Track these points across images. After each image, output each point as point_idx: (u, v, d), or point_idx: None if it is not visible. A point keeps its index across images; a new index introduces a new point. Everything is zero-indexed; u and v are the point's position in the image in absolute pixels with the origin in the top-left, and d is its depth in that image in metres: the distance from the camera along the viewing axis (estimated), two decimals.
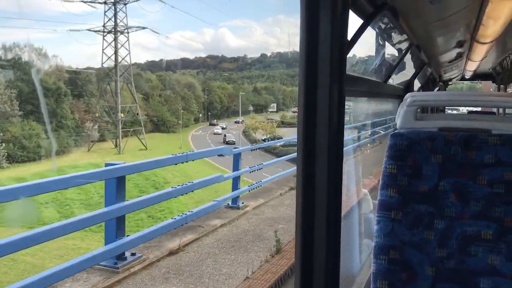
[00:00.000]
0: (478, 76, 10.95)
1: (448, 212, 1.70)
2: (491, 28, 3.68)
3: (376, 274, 1.74)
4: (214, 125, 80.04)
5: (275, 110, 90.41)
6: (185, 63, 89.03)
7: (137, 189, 34.76)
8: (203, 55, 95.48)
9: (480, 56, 6.07)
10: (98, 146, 55.95)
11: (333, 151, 1.48)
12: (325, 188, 1.48)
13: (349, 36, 1.58)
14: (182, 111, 72.08)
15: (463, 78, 11.08)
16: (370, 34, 3.24)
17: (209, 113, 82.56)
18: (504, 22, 3.42)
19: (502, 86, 10.07)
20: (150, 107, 67.73)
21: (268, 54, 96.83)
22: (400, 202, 1.74)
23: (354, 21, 1.98)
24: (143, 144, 57.30)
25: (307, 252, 1.51)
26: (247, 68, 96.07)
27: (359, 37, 1.93)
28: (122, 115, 58.17)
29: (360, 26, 2.02)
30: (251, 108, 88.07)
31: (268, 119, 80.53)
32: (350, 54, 1.68)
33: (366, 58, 4.19)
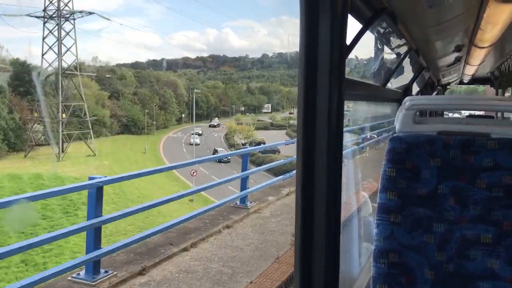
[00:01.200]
0: (476, 80, 10.98)
1: (447, 216, 1.70)
2: (489, 32, 3.70)
3: (376, 277, 1.74)
4: (214, 126, 75.04)
5: (269, 111, 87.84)
6: (186, 63, 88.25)
7: (41, 213, 25.66)
8: (206, 55, 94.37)
9: (479, 61, 6.08)
10: (41, 151, 46.59)
11: (332, 155, 1.49)
12: (324, 192, 1.48)
13: (348, 40, 1.59)
14: (160, 110, 66.16)
15: (461, 82, 11.11)
16: (369, 38, 3.25)
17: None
18: (502, 27, 3.43)
19: (500, 90, 10.10)
20: (120, 106, 60.39)
21: (270, 55, 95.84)
22: (399, 205, 1.74)
23: (353, 26, 1.99)
24: (91, 149, 48.62)
25: (306, 255, 1.51)
26: (248, 68, 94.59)
27: (358, 41, 1.94)
28: (64, 115, 49.47)
29: (360, 30, 2.03)
30: (242, 108, 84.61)
31: (258, 120, 76.71)
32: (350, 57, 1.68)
33: (365, 62, 4.20)
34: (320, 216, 1.50)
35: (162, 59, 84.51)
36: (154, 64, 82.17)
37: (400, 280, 1.71)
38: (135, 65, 79.11)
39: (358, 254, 3.58)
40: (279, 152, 48.67)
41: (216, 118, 75.43)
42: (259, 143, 52.59)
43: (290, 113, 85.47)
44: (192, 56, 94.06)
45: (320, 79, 1.44)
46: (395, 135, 1.81)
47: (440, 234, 1.69)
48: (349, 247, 3.58)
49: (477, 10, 3.15)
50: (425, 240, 1.70)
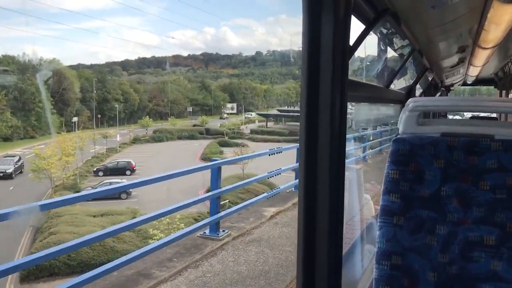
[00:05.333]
0: (480, 81, 10.94)
1: (451, 217, 1.69)
2: (493, 33, 3.68)
3: (378, 279, 1.74)
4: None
5: (234, 111, 73.57)
6: (177, 61, 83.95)
7: None
8: (199, 53, 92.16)
9: (482, 62, 6.06)
10: None
11: (335, 156, 1.48)
12: (327, 194, 1.48)
13: (351, 41, 1.58)
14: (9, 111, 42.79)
15: (465, 84, 11.08)
16: (372, 39, 3.25)
17: (99, 115, 56.74)
18: (506, 27, 3.42)
19: (504, 91, 10.06)
20: None
21: (264, 53, 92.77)
22: (402, 207, 1.73)
23: (356, 26, 1.98)
24: None
25: (309, 257, 1.51)
26: (241, 66, 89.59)
27: (362, 42, 1.93)
28: None
29: (363, 31, 2.02)
30: (190, 109, 69.84)
31: (194, 125, 61.78)
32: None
33: (368, 63, 4.19)
34: (323, 218, 1.50)
35: (152, 56, 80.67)
36: (143, 62, 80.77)
37: (403, 282, 1.71)
38: (124, 64, 78.31)
39: (361, 256, 3.57)
40: (126, 194, 28.71)
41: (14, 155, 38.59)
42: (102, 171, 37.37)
43: (246, 116, 70.31)
44: (184, 54, 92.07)
45: (323, 80, 1.43)
46: (398, 136, 1.81)
47: (443, 236, 1.69)
48: (352, 249, 3.58)
49: (480, 11, 3.14)
50: (428, 242, 1.70)
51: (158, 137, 55.57)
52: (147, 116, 59.22)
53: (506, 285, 1.62)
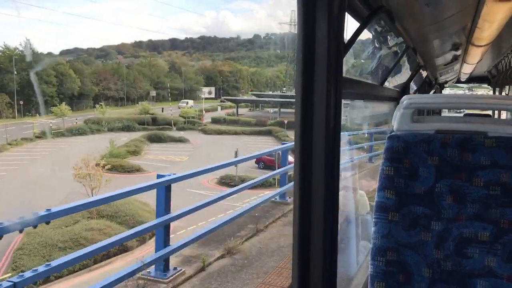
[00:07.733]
0: (473, 79, 11.00)
1: (445, 214, 1.70)
2: (487, 31, 3.70)
3: (374, 275, 1.75)
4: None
5: (212, 96, 65.68)
6: (174, 44, 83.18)
7: None
8: (197, 36, 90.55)
9: (476, 59, 6.09)
10: None
11: (330, 154, 1.49)
12: (322, 191, 1.49)
13: (346, 38, 1.59)
14: None
15: (458, 81, 11.13)
16: (366, 36, 3.26)
17: (21, 103, 46.18)
18: (499, 25, 3.44)
19: (497, 89, 10.12)
20: None
21: (262, 36, 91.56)
22: (397, 203, 1.74)
23: (350, 24, 1.99)
24: None
25: (305, 254, 1.52)
26: (238, 49, 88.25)
27: (356, 40, 1.94)
28: None
29: (357, 28, 2.03)
30: (154, 93, 59.84)
31: (144, 113, 48.96)
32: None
33: (362, 60, 4.20)
34: (318, 215, 1.50)
35: (149, 40, 78.38)
36: (140, 46, 80.00)
37: (398, 277, 1.72)
38: (120, 47, 77.42)
39: (356, 252, 3.59)
40: None
41: None
42: None
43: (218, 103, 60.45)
44: (181, 37, 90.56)
45: (318, 77, 1.44)
46: (392, 133, 1.82)
47: (438, 232, 1.70)
48: (347, 245, 3.59)
49: (474, 9, 3.16)
50: (422, 238, 1.71)
51: (79, 130, 42.77)
52: (63, 103, 45.40)
53: (500, 280, 1.64)
